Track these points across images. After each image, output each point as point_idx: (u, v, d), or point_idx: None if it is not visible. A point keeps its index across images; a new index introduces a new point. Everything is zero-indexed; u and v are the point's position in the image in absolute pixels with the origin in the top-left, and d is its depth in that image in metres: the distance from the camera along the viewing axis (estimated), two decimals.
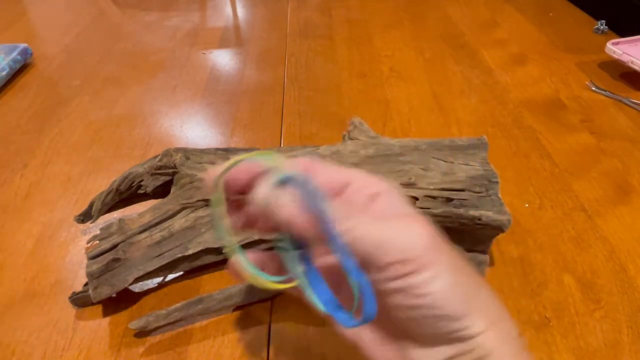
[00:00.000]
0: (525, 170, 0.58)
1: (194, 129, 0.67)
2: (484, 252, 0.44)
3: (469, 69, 0.80)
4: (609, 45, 0.75)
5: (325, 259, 0.25)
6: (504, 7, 1.03)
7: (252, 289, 0.42)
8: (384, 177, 0.25)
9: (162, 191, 0.47)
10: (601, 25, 0.90)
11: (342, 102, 0.72)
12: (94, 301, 0.41)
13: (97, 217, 0.46)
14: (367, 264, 0.21)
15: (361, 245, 0.21)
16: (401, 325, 0.23)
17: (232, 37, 0.95)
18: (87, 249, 0.49)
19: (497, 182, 0.44)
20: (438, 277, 0.21)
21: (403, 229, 0.22)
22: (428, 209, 0.42)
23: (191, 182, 0.44)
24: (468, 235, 0.43)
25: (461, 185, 0.43)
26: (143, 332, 0.41)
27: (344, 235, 0.21)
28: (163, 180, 0.46)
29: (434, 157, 0.45)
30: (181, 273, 0.46)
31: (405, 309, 0.22)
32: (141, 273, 0.41)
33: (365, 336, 0.25)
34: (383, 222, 0.22)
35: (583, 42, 0.87)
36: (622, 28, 0.87)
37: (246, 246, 0.43)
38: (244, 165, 0.24)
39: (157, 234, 0.42)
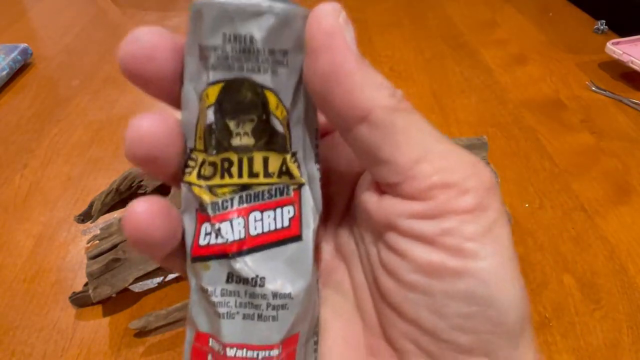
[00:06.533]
0: (525, 170, 0.58)
1: None
2: None
3: (469, 69, 0.80)
4: (609, 45, 0.75)
5: None
6: (504, 7, 1.03)
7: None
8: None
9: (162, 191, 0.47)
10: (601, 25, 0.90)
11: None
12: (94, 301, 0.41)
13: (97, 217, 0.46)
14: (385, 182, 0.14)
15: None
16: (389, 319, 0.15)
17: None
18: (87, 249, 0.49)
19: (497, 182, 0.44)
20: (498, 234, 0.13)
21: (461, 152, 0.14)
22: None
23: None
24: None
25: None
26: (143, 332, 0.41)
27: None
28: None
29: None
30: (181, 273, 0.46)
31: (413, 276, 0.14)
32: (141, 273, 0.41)
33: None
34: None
35: (583, 42, 0.87)
36: (622, 28, 0.87)
37: None
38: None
39: None
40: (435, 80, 0.77)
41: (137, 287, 0.45)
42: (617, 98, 0.71)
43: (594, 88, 0.74)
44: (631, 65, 0.71)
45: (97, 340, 0.41)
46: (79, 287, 0.44)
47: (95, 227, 0.51)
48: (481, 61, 0.83)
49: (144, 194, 0.47)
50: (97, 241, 0.43)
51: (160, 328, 0.41)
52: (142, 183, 0.46)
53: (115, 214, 0.50)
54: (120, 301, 0.43)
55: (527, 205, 0.53)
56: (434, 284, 0.13)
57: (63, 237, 0.50)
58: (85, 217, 0.47)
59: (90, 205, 0.47)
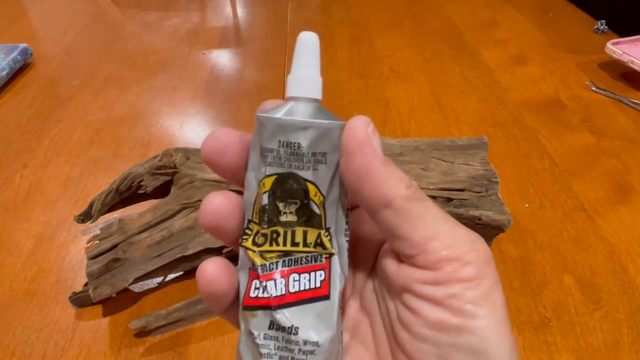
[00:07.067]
0: (525, 170, 0.58)
1: (194, 129, 0.67)
2: None
3: (469, 69, 0.80)
4: (609, 45, 0.75)
5: None
6: (504, 7, 1.03)
7: None
8: None
9: (162, 191, 0.47)
10: (601, 25, 0.90)
11: (342, 102, 0.72)
12: (94, 301, 0.41)
13: (97, 217, 0.46)
14: (404, 255, 0.17)
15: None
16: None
17: (232, 37, 0.95)
18: (87, 249, 0.49)
19: (497, 182, 0.44)
20: (494, 299, 0.16)
21: (464, 231, 0.17)
22: None
23: (191, 182, 0.44)
24: None
25: (461, 185, 0.43)
26: (143, 332, 0.41)
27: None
28: (163, 180, 0.46)
29: (433, 157, 0.45)
30: (181, 273, 0.46)
31: (425, 331, 0.16)
32: (141, 273, 0.41)
33: None
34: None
35: (583, 42, 0.87)
36: (622, 28, 0.87)
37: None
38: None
39: (157, 234, 0.42)
40: (435, 80, 0.77)
41: (137, 287, 0.45)
42: (617, 98, 0.71)
43: (594, 88, 0.74)
44: (631, 65, 0.72)
45: (97, 340, 0.41)
46: (79, 287, 0.44)
47: (95, 227, 0.51)
48: (481, 61, 0.83)
49: (144, 194, 0.47)
50: (97, 241, 0.43)
51: (160, 328, 0.41)
52: (142, 183, 0.46)
53: (115, 214, 0.50)
54: (120, 301, 0.43)
55: (527, 205, 0.53)
56: (441, 337, 0.16)
57: (63, 237, 0.50)
58: (85, 217, 0.47)
59: (90, 205, 0.47)
